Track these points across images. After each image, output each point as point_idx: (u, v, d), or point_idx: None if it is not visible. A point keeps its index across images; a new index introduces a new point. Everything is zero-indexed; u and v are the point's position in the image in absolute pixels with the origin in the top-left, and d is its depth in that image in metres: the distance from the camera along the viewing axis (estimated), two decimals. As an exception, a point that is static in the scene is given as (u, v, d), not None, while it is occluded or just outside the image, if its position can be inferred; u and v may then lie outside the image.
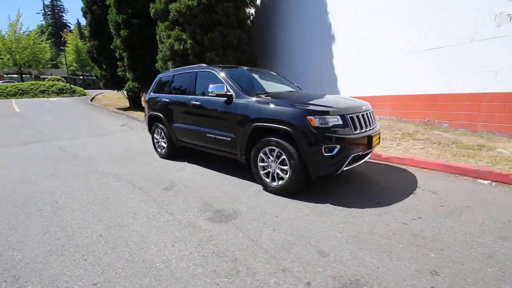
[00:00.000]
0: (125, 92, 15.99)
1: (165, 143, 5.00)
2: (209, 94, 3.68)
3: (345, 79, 8.38)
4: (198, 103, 4.10)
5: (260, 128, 3.22)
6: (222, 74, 3.87)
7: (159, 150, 5.24)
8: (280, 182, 3.14)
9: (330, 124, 2.84)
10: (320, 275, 1.81)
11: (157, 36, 10.34)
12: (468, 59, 5.27)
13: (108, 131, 8.59)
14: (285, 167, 3.06)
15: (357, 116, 3.06)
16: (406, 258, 1.97)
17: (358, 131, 3.02)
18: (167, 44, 9.56)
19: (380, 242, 2.17)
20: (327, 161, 2.85)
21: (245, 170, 4.11)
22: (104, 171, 4.40)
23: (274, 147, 3.10)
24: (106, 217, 2.78)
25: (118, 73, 13.37)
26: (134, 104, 15.79)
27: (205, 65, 4.46)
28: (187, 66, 4.79)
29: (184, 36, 9.48)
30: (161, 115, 4.89)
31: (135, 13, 11.74)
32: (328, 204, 2.89)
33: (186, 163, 4.77)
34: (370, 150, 3.25)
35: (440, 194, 3.08)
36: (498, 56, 4.84)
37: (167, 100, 4.75)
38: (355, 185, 3.45)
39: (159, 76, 5.38)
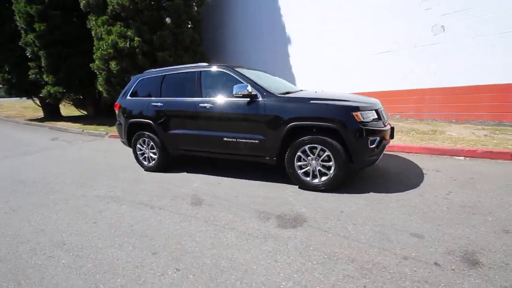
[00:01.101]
0: (37, 100, 12.97)
1: (155, 153, 4.34)
2: (234, 95, 3.40)
3: (303, 79, 9.00)
4: (209, 105, 3.71)
5: (297, 127, 3.19)
6: (239, 74, 3.63)
7: (145, 162, 4.50)
8: (323, 179, 3.17)
9: (371, 119, 3.06)
10: (437, 254, 1.94)
11: (93, 32, 8.78)
12: (414, 61, 6.45)
13: (38, 148, 6.86)
14: (329, 163, 3.12)
15: (382, 111, 3.39)
16: (477, 226, 2.31)
17: (386, 124, 3.35)
18: (109, 42, 8.25)
19: (449, 216, 2.47)
20: (371, 153, 3.05)
21: (257, 171, 4.03)
22: (89, 195, 3.52)
23: (316, 145, 3.12)
24: (158, 247, 2.25)
25: (30, 76, 10.74)
26: (51, 114, 13.01)
27: (206, 64, 4.10)
28: (179, 66, 4.28)
29: (129, 33, 8.36)
30: (151, 122, 4.22)
31: (55, 3, 9.67)
32: (372, 193, 3.09)
33: (185, 173, 4.26)
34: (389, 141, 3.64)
35: (442, 172, 3.70)
36: (435, 59, 6.11)
37: (160, 104, 4.13)
38: (373, 174, 3.79)
39: (136, 78, 4.61)
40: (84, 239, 2.44)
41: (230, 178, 3.90)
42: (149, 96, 4.37)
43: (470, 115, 6.01)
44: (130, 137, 4.56)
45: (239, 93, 3.35)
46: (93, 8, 8.78)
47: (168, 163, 4.41)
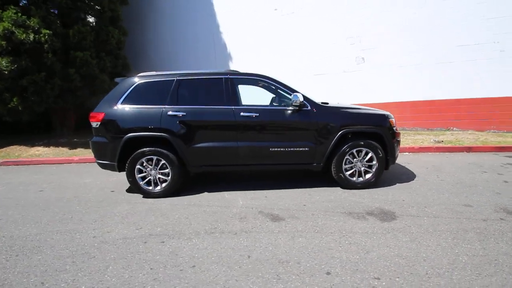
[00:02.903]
0: None
1: (167, 174, 3.50)
2: (293, 104, 3.35)
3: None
4: (254, 114, 3.43)
5: (349, 132, 3.51)
6: (279, 82, 3.59)
7: (148, 188, 3.53)
8: (367, 176, 3.62)
9: (395, 124, 3.80)
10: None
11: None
12: (344, 82, 8.11)
13: None
14: (372, 163, 3.60)
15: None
16: (481, 192, 3.38)
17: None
18: (-1, 30, 5.71)
19: (456, 190, 3.45)
20: (397, 151, 3.77)
21: (278, 180, 4.10)
22: (134, 236, 2.49)
23: (362, 148, 3.54)
24: (322, 267, 1.97)
25: None
26: None
27: (233, 70, 3.76)
28: (197, 71, 3.69)
29: (32, 23, 6.12)
30: (167, 135, 3.39)
31: None
32: (398, 184, 3.81)
33: (205, 193, 3.68)
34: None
35: (439, 164, 4.92)
36: (360, 81, 7.97)
37: (181, 113, 3.40)
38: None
39: (129, 81, 3.60)
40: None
41: (266, 191, 3.70)
42: (157, 104, 3.52)
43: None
44: (124, 157, 3.47)
45: (296, 101, 3.35)
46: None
47: (181, 184, 3.65)
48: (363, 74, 7.92)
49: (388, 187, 3.71)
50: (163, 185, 3.54)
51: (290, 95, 3.56)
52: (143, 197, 3.62)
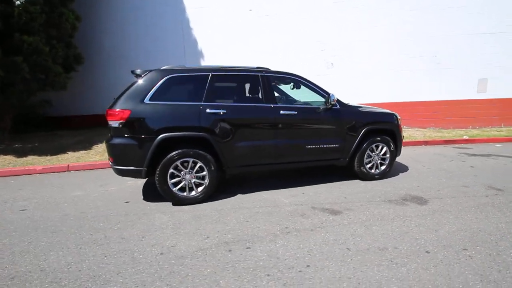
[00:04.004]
0: None
1: (203, 177, 3.20)
2: (332, 102, 3.48)
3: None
4: (293, 112, 3.44)
5: (371, 130, 3.87)
6: (310, 81, 3.70)
7: (183, 194, 3.17)
8: (382, 168, 4.06)
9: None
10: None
11: None
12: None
13: None
14: (386, 156, 4.06)
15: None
16: (465, 175, 4.22)
17: None
18: None
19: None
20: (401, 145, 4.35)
21: (303, 175, 4.30)
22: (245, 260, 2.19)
23: (379, 143, 3.97)
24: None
25: None
26: None
27: (264, 67, 3.67)
28: (230, 66, 3.47)
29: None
30: (206, 134, 3.10)
31: None
32: (403, 173, 4.40)
33: (239, 195, 3.53)
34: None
35: (414, 156, 5.71)
36: (330, 85, 8.69)
37: (222, 111, 3.16)
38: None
39: (161, 73, 3.17)
40: None
41: (297, 188, 3.78)
42: (192, 100, 3.18)
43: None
44: (157, 161, 3.01)
45: (334, 100, 3.52)
46: None
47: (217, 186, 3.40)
48: (332, 78, 8.70)
49: (395, 177, 4.25)
50: (199, 189, 3.23)
51: (320, 94, 3.75)
52: (173, 204, 3.23)
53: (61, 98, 8.27)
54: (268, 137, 3.44)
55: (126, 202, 3.40)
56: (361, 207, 3.12)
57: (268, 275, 1.94)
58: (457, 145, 6.69)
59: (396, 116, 4.16)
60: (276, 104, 3.48)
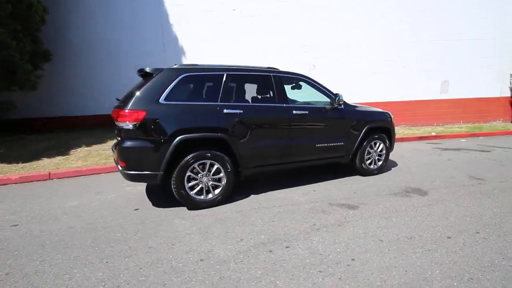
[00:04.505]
0: None
1: (220, 180, 3.12)
2: (340, 102, 3.61)
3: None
4: (305, 112, 3.51)
5: (371, 128, 4.10)
6: (316, 81, 3.79)
7: (200, 197, 3.06)
8: (379, 163, 4.34)
9: (392, 119, 4.70)
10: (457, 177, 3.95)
11: None
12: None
13: None
14: (382, 152, 4.33)
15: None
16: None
17: None
18: None
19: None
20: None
21: (304, 174, 4.44)
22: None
23: (377, 140, 4.23)
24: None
25: None
26: None
27: (273, 67, 3.67)
28: (245, 66, 3.46)
29: None
30: (224, 135, 3.02)
31: None
32: (397, 166, 4.73)
33: (253, 196, 3.50)
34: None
35: (396, 152, 6.12)
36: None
37: (239, 111, 3.10)
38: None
39: (175, 71, 3.02)
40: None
41: (306, 186, 3.87)
42: (208, 100, 3.07)
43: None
44: (174, 164, 2.85)
45: (341, 100, 3.67)
46: None
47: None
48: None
49: (390, 171, 4.57)
50: (216, 191, 3.14)
51: (326, 94, 3.88)
52: (188, 209, 3.10)
53: (25, 99, 7.37)
54: (281, 136, 3.48)
55: (135, 209, 3.17)
56: (373, 201, 3.31)
57: (320, 271, 1.98)
58: (429, 141, 7.40)
59: (390, 115, 4.48)
60: (288, 104, 3.53)
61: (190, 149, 2.98)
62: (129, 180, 2.95)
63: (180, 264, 2.10)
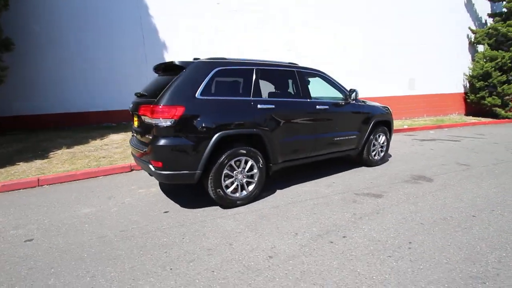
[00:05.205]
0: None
1: (252, 176, 3.06)
2: (355, 97, 3.76)
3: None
4: (326, 107, 3.60)
5: (377, 122, 4.37)
6: (333, 78, 3.90)
7: (235, 195, 2.98)
8: (382, 155, 4.67)
9: (390, 113, 5.05)
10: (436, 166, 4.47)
11: None
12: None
13: None
14: (384, 144, 4.66)
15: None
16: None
17: None
18: None
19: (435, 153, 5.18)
20: (391, 133, 5.07)
21: (318, 168, 4.64)
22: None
23: (380, 133, 4.53)
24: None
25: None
26: None
27: (294, 62, 3.67)
28: (270, 61, 3.42)
29: None
30: (259, 131, 2.96)
31: None
32: (392, 156, 5.12)
33: (279, 191, 3.54)
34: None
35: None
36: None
37: (271, 106, 3.05)
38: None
39: (208, 65, 2.87)
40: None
41: (323, 178, 4.00)
42: (240, 95, 2.97)
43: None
44: (213, 161, 2.71)
45: (357, 95, 3.84)
46: None
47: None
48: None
49: (389, 162, 4.94)
50: (250, 188, 3.08)
51: (340, 90, 4.03)
52: (222, 207, 2.99)
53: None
54: (307, 131, 3.54)
55: (165, 212, 2.95)
56: (391, 189, 3.56)
57: (389, 256, 2.10)
58: (405, 133, 8.14)
59: (389, 109, 4.84)
60: (311, 99, 3.60)
61: (225, 146, 2.87)
62: (163, 181, 2.74)
63: (252, 263, 2.04)
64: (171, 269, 1.99)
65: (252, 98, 3.04)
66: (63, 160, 4.81)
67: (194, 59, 3.12)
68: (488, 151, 5.62)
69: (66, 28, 7.35)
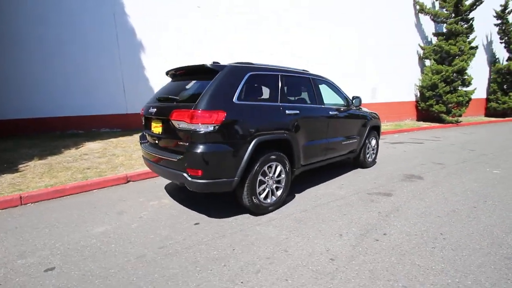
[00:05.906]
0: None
1: (280, 181, 3.06)
2: (356, 104, 4.01)
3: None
4: (335, 113, 3.80)
5: (371, 126, 4.74)
6: (336, 85, 4.12)
7: (267, 201, 2.95)
8: (373, 157, 5.08)
9: (375, 119, 5.50)
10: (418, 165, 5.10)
11: None
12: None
13: None
14: (375, 147, 5.07)
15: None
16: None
17: None
18: None
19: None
20: (376, 137, 5.52)
21: (321, 171, 4.88)
22: None
23: (372, 137, 4.93)
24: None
25: None
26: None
27: (307, 70, 3.80)
28: (289, 68, 3.48)
29: None
30: (288, 136, 2.97)
31: None
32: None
33: (297, 195, 3.60)
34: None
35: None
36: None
37: (297, 112, 3.10)
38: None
39: (241, 70, 2.83)
40: None
41: (331, 181, 4.20)
42: (268, 100, 2.96)
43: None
44: (248, 168, 2.63)
45: (361, 102, 4.11)
46: None
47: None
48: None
49: (378, 164, 5.37)
50: (278, 193, 3.07)
51: (342, 96, 4.30)
52: (254, 214, 2.93)
53: None
54: (322, 136, 3.69)
55: (196, 224, 2.76)
56: (395, 187, 3.90)
57: (433, 248, 2.31)
58: (375, 137, 8.95)
59: (377, 115, 5.31)
60: (324, 105, 3.77)
61: (257, 152, 2.83)
62: (198, 190, 2.56)
63: (319, 267, 2.05)
64: (241, 282, 1.89)
65: (280, 104, 3.07)
66: (39, 173, 4.14)
67: (214, 63, 3.04)
68: (451, 151, 6.52)
69: (24, 25, 6.42)
